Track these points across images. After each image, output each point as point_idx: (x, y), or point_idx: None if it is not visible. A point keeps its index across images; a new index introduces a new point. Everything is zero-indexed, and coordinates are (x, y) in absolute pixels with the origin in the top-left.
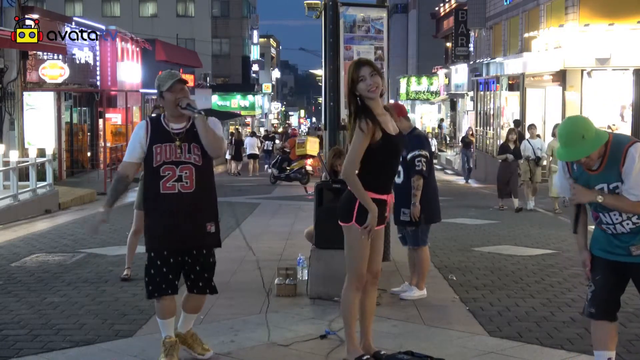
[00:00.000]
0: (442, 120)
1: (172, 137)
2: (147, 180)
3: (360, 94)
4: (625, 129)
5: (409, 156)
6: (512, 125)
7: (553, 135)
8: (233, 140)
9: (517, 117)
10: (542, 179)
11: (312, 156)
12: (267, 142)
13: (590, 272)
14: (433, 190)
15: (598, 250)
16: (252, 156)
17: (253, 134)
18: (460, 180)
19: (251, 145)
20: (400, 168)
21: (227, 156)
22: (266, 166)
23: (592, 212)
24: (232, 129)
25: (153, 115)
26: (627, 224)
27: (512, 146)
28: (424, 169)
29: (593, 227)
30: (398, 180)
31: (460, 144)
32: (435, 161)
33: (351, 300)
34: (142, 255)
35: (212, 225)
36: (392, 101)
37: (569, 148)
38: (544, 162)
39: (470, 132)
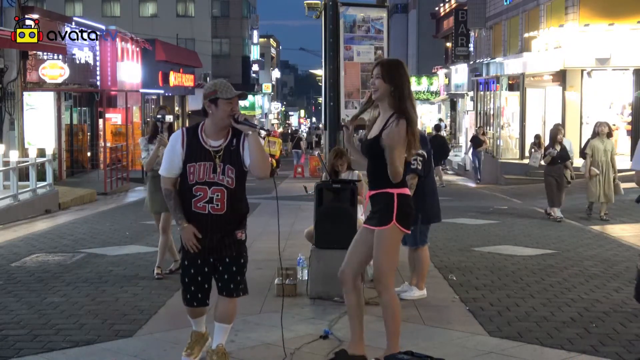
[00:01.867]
0: (439, 120)
1: (209, 155)
2: (180, 192)
3: None
4: (624, 128)
5: None
6: (511, 125)
7: (596, 134)
8: None
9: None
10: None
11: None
12: None
13: None
14: (431, 191)
15: None
16: None
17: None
18: (462, 181)
19: None
20: None
21: None
22: None
23: None
24: None
25: (158, 116)
26: None
27: (557, 147)
28: (419, 168)
29: None
30: None
31: (469, 144)
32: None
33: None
34: (143, 255)
35: (242, 232)
36: None
37: None
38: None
39: (482, 132)
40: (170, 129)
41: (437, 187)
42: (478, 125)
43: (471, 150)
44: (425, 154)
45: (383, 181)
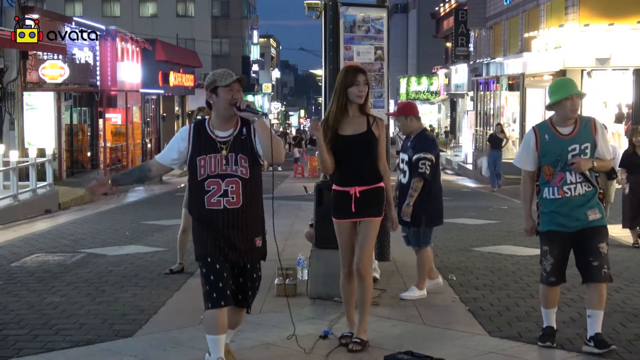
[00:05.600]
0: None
1: (217, 146)
2: (191, 192)
3: (348, 95)
4: (623, 129)
5: (414, 157)
6: (511, 125)
7: None
8: None
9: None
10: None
11: None
12: None
13: (545, 246)
14: (436, 194)
15: (554, 225)
16: None
17: None
18: (462, 181)
19: None
20: (406, 168)
21: None
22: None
23: (558, 175)
24: None
25: (198, 117)
26: (584, 185)
27: None
28: (427, 172)
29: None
30: (403, 180)
31: (487, 144)
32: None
33: (340, 285)
34: (143, 255)
35: (259, 239)
36: (391, 101)
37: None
38: (621, 175)
39: (500, 129)
40: None
41: (442, 191)
42: (497, 123)
43: (489, 151)
44: (434, 158)
45: (377, 176)
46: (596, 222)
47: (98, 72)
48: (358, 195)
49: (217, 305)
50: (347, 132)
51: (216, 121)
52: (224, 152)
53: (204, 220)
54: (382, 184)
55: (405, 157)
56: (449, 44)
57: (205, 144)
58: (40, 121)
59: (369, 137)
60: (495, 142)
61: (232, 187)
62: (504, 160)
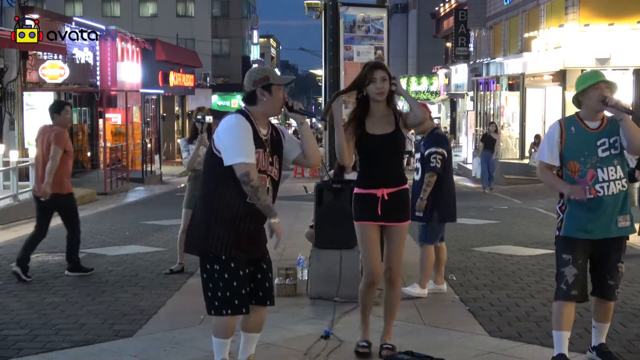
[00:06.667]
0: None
1: (262, 143)
2: (230, 186)
3: (367, 93)
4: None
5: (426, 153)
6: (511, 125)
7: None
8: None
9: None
10: None
11: None
12: None
13: (567, 255)
14: (448, 189)
15: (581, 232)
16: None
17: None
18: (461, 181)
19: None
20: (418, 165)
21: None
22: None
23: (588, 172)
24: None
25: (198, 117)
26: (618, 183)
27: None
28: (438, 166)
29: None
30: (416, 177)
31: (480, 144)
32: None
33: (360, 290)
34: (143, 255)
35: None
36: None
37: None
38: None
39: (495, 129)
40: (210, 129)
41: (454, 188)
42: (490, 121)
43: (482, 152)
44: (445, 153)
45: (403, 177)
46: (624, 230)
47: (98, 72)
48: (386, 197)
49: (239, 312)
50: (375, 132)
51: (260, 119)
52: (268, 150)
53: (246, 214)
54: (407, 186)
55: (418, 155)
56: (449, 44)
57: (256, 138)
58: (40, 121)
59: (396, 136)
60: (489, 142)
61: (270, 187)
62: (502, 161)
